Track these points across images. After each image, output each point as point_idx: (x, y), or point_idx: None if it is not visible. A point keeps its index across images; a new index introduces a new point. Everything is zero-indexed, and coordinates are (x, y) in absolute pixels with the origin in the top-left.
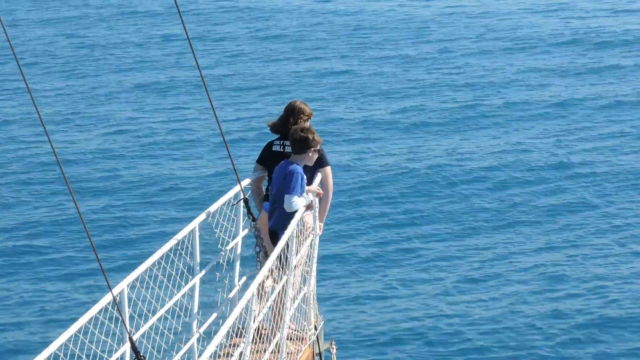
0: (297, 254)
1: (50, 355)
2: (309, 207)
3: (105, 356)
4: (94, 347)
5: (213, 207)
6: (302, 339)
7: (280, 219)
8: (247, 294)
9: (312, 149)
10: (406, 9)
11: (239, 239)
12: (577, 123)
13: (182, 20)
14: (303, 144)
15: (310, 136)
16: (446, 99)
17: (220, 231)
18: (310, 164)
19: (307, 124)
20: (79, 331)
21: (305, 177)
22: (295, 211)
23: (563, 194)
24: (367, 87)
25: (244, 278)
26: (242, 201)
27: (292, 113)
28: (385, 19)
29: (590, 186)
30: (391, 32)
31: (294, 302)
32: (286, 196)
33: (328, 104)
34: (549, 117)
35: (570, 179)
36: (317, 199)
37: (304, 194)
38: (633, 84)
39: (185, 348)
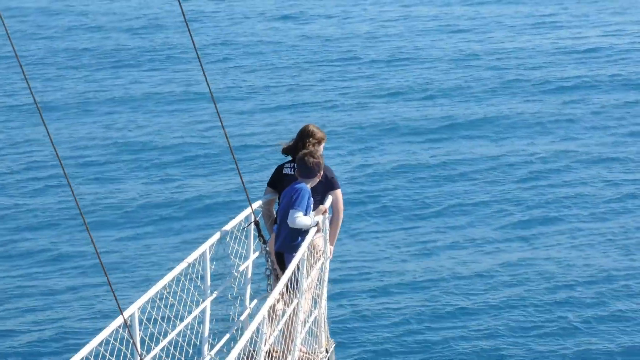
0: (307, 277)
1: None
2: (318, 229)
3: None
4: None
5: (224, 230)
6: None
7: (286, 241)
8: (258, 317)
9: (317, 177)
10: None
11: (249, 262)
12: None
13: (193, 42)
14: (310, 171)
15: (318, 165)
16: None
17: (231, 254)
18: (313, 184)
19: (319, 149)
20: (90, 354)
21: (312, 197)
22: (299, 228)
23: (564, 196)
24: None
25: (255, 301)
26: (253, 223)
27: (302, 136)
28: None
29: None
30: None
31: (305, 325)
32: (290, 211)
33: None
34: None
35: (570, 180)
36: (327, 222)
37: (311, 214)
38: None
39: None
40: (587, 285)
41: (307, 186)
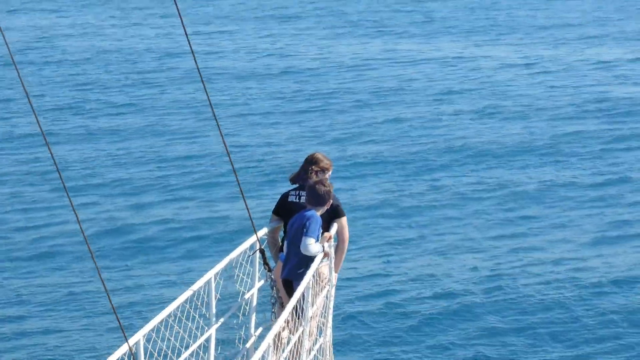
0: (313, 305)
1: None
2: (325, 255)
3: None
4: None
5: (229, 258)
6: None
7: (294, 268)
8: (264, 345)
9: (327, 205)
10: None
11: (254, 290)
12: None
13: (200, 74)
14: (321, 199)
15: (328, 194)
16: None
17: (237, 282)
18: (322, 212)
19: (326, 177)
20: None
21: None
22: (311, 255)
23: (568, 204)
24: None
25: (260, 329)
26: (258, 251)
27: (306, 163)
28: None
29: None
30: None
31: (310, 353)
32: (303, 238)
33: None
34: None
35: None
36: (332, 250)
37: (320, 241)
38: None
39: None
40: (598, 286)
41: (317, 214)
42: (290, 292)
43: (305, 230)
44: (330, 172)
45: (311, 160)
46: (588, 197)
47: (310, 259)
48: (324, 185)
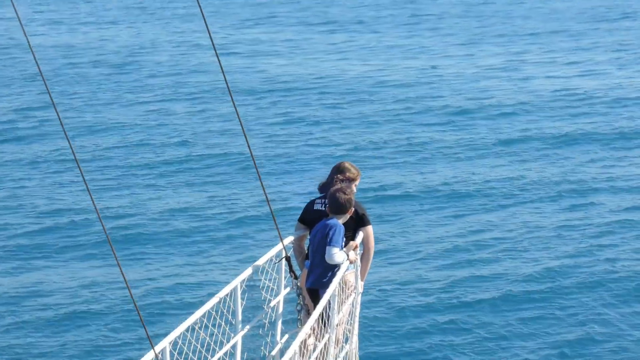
0: (339, 313)
1: None
2: (351, 262)
3: None
4: None
5: (255, 265)
6: None
7: (320, 277)
8: (289, 352)
9: (348, 213)
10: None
11: (280, 297)
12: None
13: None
14: (341, 207)
15: (349, 202)
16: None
17: (263, 289)
18: (344, 220)
19: (352, 186)
20: None
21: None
22: (336, 264)
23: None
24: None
25: (286, 336)
26: (284, 259)
27: (332, 172)
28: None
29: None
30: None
31: None
32: (327, 247)
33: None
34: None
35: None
36: (358, 258)
37: (344, 249)
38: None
39: None
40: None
41: (339, 222)
42: (316, 300)
43: (329, 240)
44: (357, 182)
45: (338, 169)
46: (591, 198)
47: (335, 267)
48: (345, 194)
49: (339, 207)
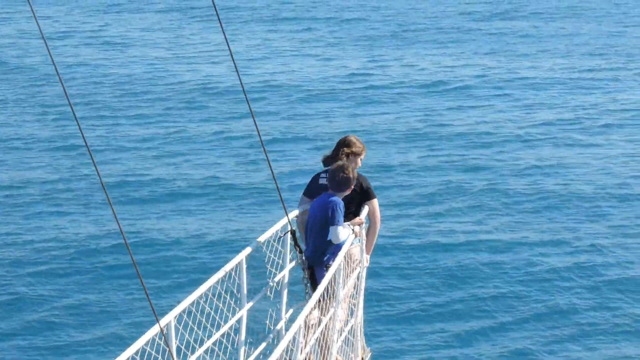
0: (344, 287)
1: None
2: (356, 235)
3: None
4: None
5: (260, 239)
6: None
7: (315, 254)
8: (294, 326)
9: (347, 191)
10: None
11: (286, 271)
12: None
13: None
14: (339, 185)
15: (347, 181)
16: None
17: (268, 263)
18: (344, 195)
19: (357, 160)
20: None
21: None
22: (329, 241)
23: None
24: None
25: (291, 310)
26: (289, 233)
27: (338, 146)
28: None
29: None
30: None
31: (341, 335)
32: (331, 228)
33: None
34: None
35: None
36: (363, 232)
37: (345, 224)
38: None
39: None
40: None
41: (339, 199)
42: (312, 277)
43: (331, 219)
44: (362, 157)
45: (343, 143)
46: (596, 203)
47: (331, 245)
48: (344, 172)
49: (339, 185)
